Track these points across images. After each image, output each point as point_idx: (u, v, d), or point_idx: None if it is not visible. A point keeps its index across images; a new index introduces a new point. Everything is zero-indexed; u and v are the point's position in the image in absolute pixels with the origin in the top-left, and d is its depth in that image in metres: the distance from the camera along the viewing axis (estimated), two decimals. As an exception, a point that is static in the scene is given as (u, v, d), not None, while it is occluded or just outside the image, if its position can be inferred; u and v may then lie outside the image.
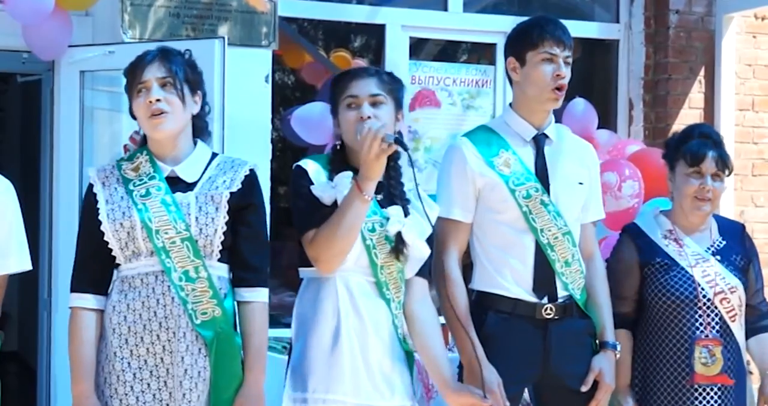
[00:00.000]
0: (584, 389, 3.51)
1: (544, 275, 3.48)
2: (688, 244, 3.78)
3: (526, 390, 3.69)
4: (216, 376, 3.06)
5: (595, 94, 6.19)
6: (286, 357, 4.25)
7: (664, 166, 3.88)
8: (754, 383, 3.92)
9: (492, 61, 6.04)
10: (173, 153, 3.14)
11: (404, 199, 3.28)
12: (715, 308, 3.72)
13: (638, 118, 6.25)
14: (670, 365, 3.72)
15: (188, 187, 3.12)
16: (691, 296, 3.71)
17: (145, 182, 3.11)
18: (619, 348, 3.60)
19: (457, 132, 5.68)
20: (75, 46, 4.93)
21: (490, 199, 3.49)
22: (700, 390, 3.69)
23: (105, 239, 3.07)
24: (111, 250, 3.08)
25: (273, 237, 5.02)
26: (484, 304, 3.51)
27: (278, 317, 5.31)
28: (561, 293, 3.50)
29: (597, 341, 3.58)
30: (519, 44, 3.52)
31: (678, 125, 5.87)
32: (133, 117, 3.16)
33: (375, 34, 6.09)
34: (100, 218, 3.08)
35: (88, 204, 3.13)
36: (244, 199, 3.14)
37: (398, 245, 3.21)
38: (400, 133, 3.27)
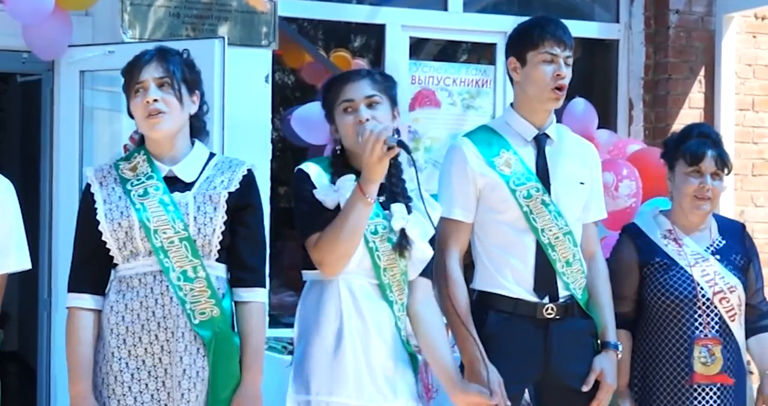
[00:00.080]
0: (585, 389, 3.51)
1: (545, 274, 3.48)
2: (688, 243, 3.78)
3: (526, 390, 3.69)
4: (214, 376, 3.05)
5: (595, 94, 6.19)
6: (286, 357, 4.25)
7: (664, 165, 3.88)
8: (754, 382, 3.92)
9: (492, 61, 6.04)
10: (171, 153, 3.14)
11: (406, 197, 3.28)
12: (715, 307, 3.72)
13: (638, 118, 6.25)
14: (670, 365, 3.72)
15: (186, 187, 3.12)
16: (691, 296, 3.71)
17: (143, 182, 3.10)
18: (620, 348, 3.60)
19: (457, 132, 5.68)
20: (75, 46, 4.93)
21: (491, 199, 3.49)
22: (699, 390, 3.69)
23: (103, 238, 3.07)
24: (109, 250, 3.08)
25: (273, 237, 5.05)
26: (485, 304, 3.50)
27: (278, 317, 5.32)
28: (562, 293, 3.50)
29: (598, 341, 3.58)
30: (520, 44, 3.52)
31: (678, 125, 5.87)
32: (131, 116, 3.16)
33: (375, 34, 6.09)
34: (97, 217, 3.07)
35: (86, 204, 3.13)
36: (243, 200, 3.14)
37: (401, 241, 3.21)
38: (398, 130, 3.27)
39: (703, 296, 3.71)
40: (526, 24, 3.55)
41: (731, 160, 3.84)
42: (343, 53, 6.27)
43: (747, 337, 3.83)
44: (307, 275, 3.27)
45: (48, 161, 5.24)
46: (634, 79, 6.26)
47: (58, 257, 4.99)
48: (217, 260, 3.11)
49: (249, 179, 3.17)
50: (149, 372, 3.03)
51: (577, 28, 5.56)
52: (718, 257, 3.77)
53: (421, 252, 3.26)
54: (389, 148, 3.09)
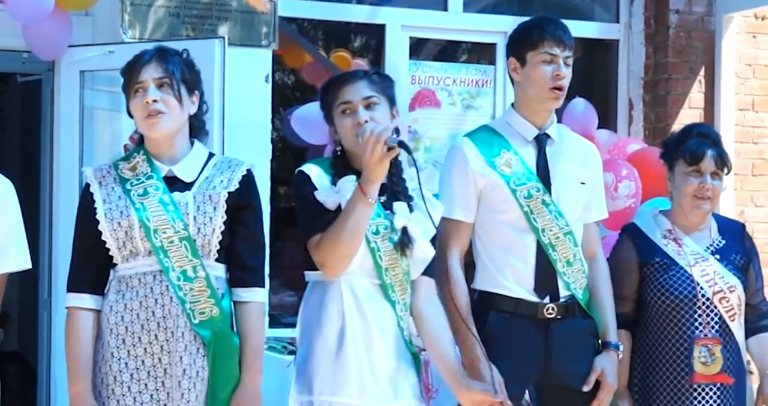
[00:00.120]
0: (586, 388, 3.51)
1: (545, 274, 3.48)
2: (688, 243, 3.78)
3: (526, 391, 3.69)
4: (213, 376, 3.05)
5: (595, 94, 6.19)
6: (286, 357, 4.26)
7: (663, 165, 3.88)
8: (754, 382, 3.92)
9: (492, 61, 6.04)
10: (170, 153, 3.14)
11: (408, 196, 3.29)
12: (715, 307, 3.72)
13: (638, 118, 6.25)
14: (670, 365, 3.72)
15: (186, 186, 3.12)
16: (690, 296, 3.71)
17: (143, 182, 3.10)
18: (621, 348, 3.60)
19: (457, 132, 5.69)
20: (75, 46, 4.93)
21: (492, 199, 3.49)
22: (699, 390, 3.69)
23: (102, 238, 3.07)
24: (108, 249, 3.08)
25: (273, 237, 5.05)
26: (485, 303, 3.51)
27: (278, 317, 5.32)
28: (563, 293, 3.50)
29: (599, 341, 3.58)
30: (519, 44, 3.52)
31: (678, 125, 5.87)
32: (131, 116, 3.16)
33: (375, 34, 6.09)
34: (97, 217, 3.07)
35: (85, 204, 3.12)
36: (242, 200, 3.14)
37: (403, 239, 3.21)
38: (397, 129, 3.27)
39: (703, 295, 3.71)
40: (526, 24, 3.56)
41: (731, 160, 3.84)
42: (343, 53, 6.27)
43: (747, 337, 3.83)
44: (310, 275, 3.27)
45: (48, 161, 5.24)
46: (634, 79, 6.26)
47: (58, 257, 4.99)
48: (217, 260, 3.11)
49: (248, 179, 3.17)
50: (148, 372, 3.03)
51: (577, 28, 5.56)
52: (717, 256, 3.78)
53: (423, 251, 3.26)
54: (390, 149, 3.09)
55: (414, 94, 5.86)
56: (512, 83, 3.61)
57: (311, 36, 6.59)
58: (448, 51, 6.32)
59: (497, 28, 5.89)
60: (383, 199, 3.24)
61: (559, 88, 3.47)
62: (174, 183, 3.12)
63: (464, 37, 6.12)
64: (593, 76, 6.53)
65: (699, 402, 3.69)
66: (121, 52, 4.61)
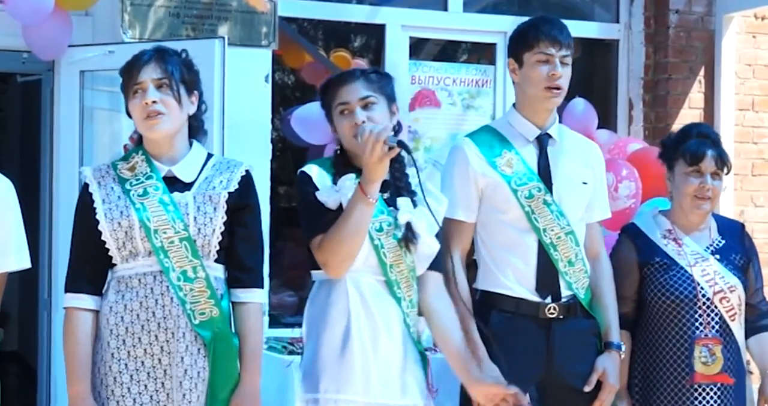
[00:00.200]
0: (587, 389, 3.51)
1: (547, 274, 3.49)
2: (688, 243, 3.78)
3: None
4: (213, 376, 3.05)
5: (595, 94, 6.19)
6: (286, 357, 4.26)
7: (662, 165, 3.88)
8: (754, 382, 3.92)
9: (492, 61, 6.04)
10: (170, 153, 3.14)
11: (411, 192, 3.28)
12: (715, 307, 3.72)
13: (638, 118, 6.25)
14: (670, 365, 3.72)
15: (185, 187, 3.12)
16: (691, 296, 3.71)
17: (142, 182, 3.10)
18: (623, 349, 3.60)
19: (457, 132, 5.69)
20: (75, 46, 4.93)
21: (493, 200, 3.50)
22: (700, 390, 3.69)
23: (102, 238, 3.06)
24: (107, 250, 3.07)
25: (273, 237, 5.05)
26: (487, 303, 3.51)
27: (278, 317, 5.32)
28: (565, 293, 3.51)
29: (601, 341, 3.58)
30: (517, 45, 3.54)
31: (678, 125, 5.86)
32: (129, 116, 3.16)
33: (375, 34, 6.09)
34: (97, 217, 3.07)
35: (84, 204, 3.12)
36: (242, 200, 3.14)
37: (407, 234, 3.21)
38: (399, 124, 3.28)
39: (704, 295, 3.71)
40: (523, 25, 3.57)
41: (731, 160, 3.84)
42: (343, 53, 6.27)
43: (747, 337, 3.83)
44: (315, 275, 3.27)
45: (48, 161, 5.24)
46: (634, 79, 6.26)
47: (58, 256, 4.98)
48: (216, 261, 3.11)
49: (247, 180, 3.17)
50: (148, 373, 3.02)
51: (577, 28, 5.56)
52: (717, 256, 3.78)
53: (428, 246, 3.25)
54: (389, 149, 3.09)
55: (414, 94, 5.86)
56: (513, 84, 3.61)
57: (311, 36, 6.59)
58: (448, 51, 6.32)
59: (497, 28, 5.89)
60: (386, 195, 3.24)
61: (555, 87, 3.47)
62: (173, 183, 3.12)
63: (464, 37, 6.12)
64: (593, 76, 6.53)
65: (699, 402, 3.69)
66: (121, 52, 4.60)
